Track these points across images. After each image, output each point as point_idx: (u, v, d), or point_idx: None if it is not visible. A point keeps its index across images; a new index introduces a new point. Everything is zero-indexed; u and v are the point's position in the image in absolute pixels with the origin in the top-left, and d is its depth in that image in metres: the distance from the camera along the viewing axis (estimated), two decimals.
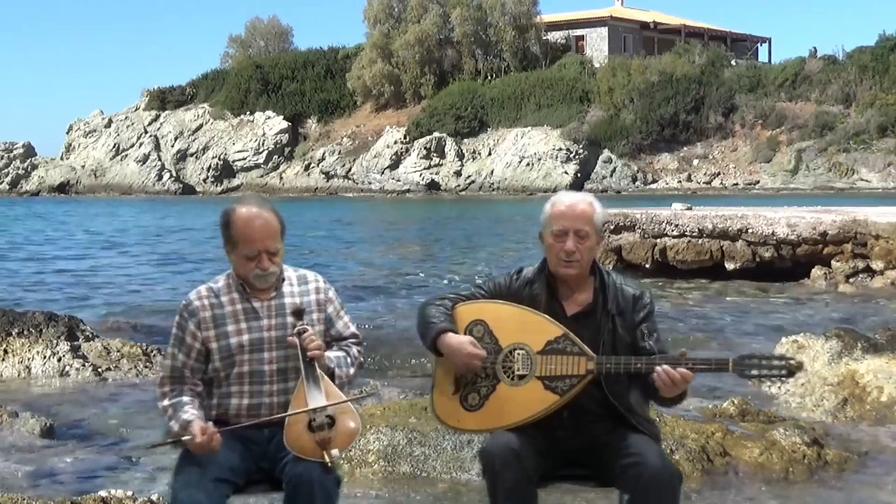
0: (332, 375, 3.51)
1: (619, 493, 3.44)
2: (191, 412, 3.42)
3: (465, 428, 3.68)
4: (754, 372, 3.42)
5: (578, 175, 58.72)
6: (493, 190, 60.42)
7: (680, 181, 58.04)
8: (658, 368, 3.39)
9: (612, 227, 14.72)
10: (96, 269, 18.67)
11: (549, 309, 3.56)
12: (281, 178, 69.37)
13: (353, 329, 3.72)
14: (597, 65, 65.10)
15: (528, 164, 60.56)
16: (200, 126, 74.63)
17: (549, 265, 3.61)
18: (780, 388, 7.33)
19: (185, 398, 3.48)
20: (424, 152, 63.14)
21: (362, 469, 5.26)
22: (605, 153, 59.89)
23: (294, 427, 3.36)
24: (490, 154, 63.07)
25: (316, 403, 3.36)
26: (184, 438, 3.34)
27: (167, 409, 3.48)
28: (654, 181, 58.55)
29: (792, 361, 3.43)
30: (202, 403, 3.51)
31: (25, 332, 8.77)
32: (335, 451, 3.32)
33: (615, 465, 3.41)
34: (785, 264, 14.18)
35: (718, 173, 58.09)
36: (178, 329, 3.54)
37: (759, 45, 75.28)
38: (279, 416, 3.43)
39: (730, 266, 14.25)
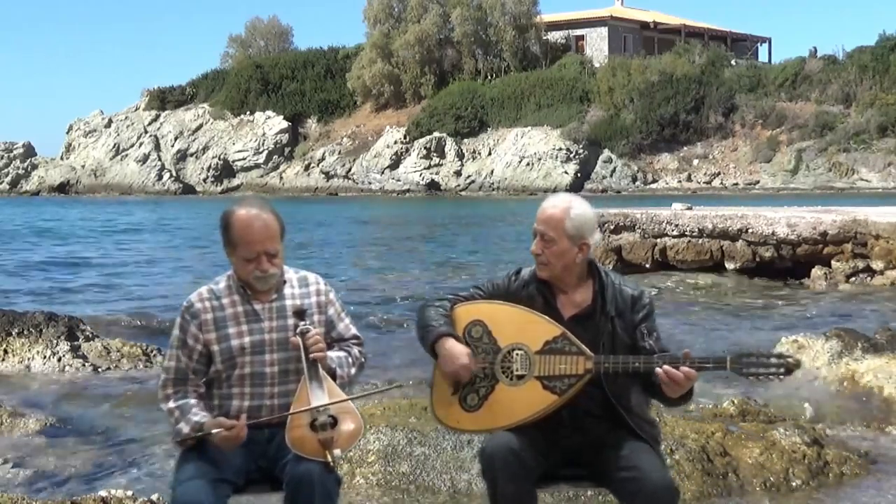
0: (333, 375, 3.51)
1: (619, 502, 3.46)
2: (201, 414, 3.43)
3: (465, 428, 3.68)
4: (752, 370, 3.41)
5: (578, 175, 58.75)
6: (493, 190, 60.42)
7: (680, 181, 58.06)
8: (658, 369, 3.38)
9: (612, 227, 14.71)
10: (96, 269, 18.67)
11: (546, 311, 3.56)
12: (281, 178, 69.38)
13: (354, 331, 3.72)
14: (597, 65, 65.13)
15: (528, 164, 60.56)
16: (200, 126, 74.64)
17: None
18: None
19: (192, 400, 3.48)
20: (424, 152, 63.16)
21: (362, 469, 5.26)
22: (605, 153, 59.91)
23: (297, 427, 3.35)
24: (490, 154, 63.08)
25: (319, 403, 3.36)
26: (214, 431, 3.34)
27: (173, 412, 3.47)
28: (654, 181, 58.57)
29: (790, 359, 3.42)
30: (206, 405, 3.51)
31: (25, 332, 8.78)
32: (337, 451, 3.32)
33: (614, 476, 3.41)
34: (785, 264, 14.17)
35: (718, 173, 58.11)
36: (179, 331, 3.54)
37: (759, 45, 75.32)
38: (282, 414, 3.43)
39: (730, 266, 14.24)
